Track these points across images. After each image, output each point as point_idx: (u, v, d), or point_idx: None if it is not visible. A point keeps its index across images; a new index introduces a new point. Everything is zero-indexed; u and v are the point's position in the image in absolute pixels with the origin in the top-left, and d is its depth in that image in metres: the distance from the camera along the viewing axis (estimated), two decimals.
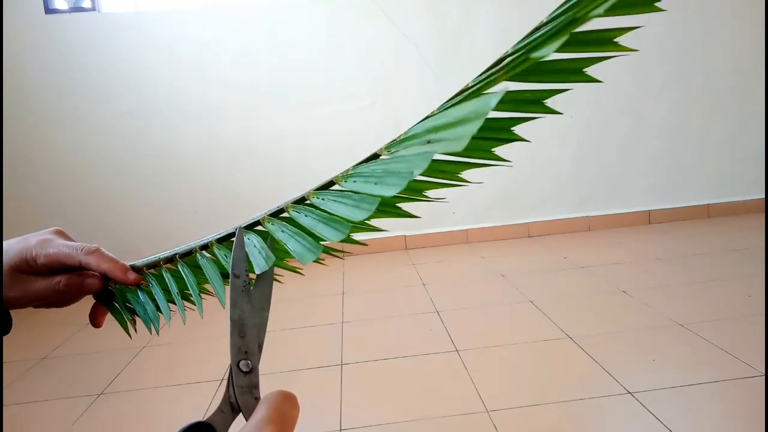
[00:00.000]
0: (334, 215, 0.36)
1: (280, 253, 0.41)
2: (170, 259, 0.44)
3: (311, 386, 1.41)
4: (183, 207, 2.73)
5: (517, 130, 0.38)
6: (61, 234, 0.46)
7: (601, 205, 2.90)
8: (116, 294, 0.46)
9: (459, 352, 1.51)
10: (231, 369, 0.31)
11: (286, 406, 0.29)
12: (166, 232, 2.72)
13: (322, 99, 2.70)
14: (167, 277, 0.44)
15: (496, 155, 0.36)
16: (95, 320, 0.46)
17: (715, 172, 2.88)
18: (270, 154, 2.72)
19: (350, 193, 0.35)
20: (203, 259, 0.42)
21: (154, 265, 0.44)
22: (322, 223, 0.36)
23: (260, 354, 0.32)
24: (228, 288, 0.41)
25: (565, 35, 0.26)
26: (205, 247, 0.43)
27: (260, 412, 0.28)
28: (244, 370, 0.31)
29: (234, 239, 0.41)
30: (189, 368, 1.59)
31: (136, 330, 0.46)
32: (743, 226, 2.65)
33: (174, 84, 2.63)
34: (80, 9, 2.57)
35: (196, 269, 0.43)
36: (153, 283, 0.44)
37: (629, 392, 1.21)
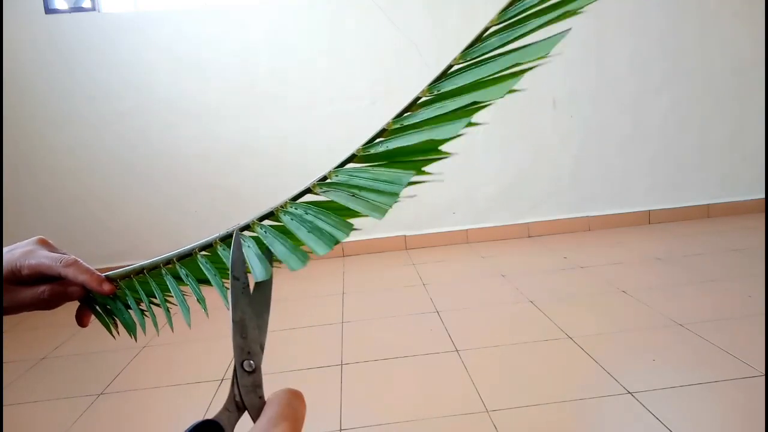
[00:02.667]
0: (274, 255, 0.38)
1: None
2: (140, 272, 0.47)
3: (311, 386, 1.40)
4: (183, 207, 2.73)
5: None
6: (44, 244, 0.49)
7: (601, 205, 2.90)
8: (97, 299, 0.49)
9: (459, 352, 1.51)
10: (235, 369, 0.32)
11: (295, 402, 0.30)
12: (166, 232, 2.72)
13: (322, 99, 2.70)
14: (139, 288, 0.47)
15: (426, 172, 0.38)
16: (81, 321, 0.50)
17: (715, 172, 2.88)
18: (270, 154, 2.72)
19: (286, 238, 0.38)
20: (167, 276, 0.45)
21: (128, 276, 0.47)
22: (256, 258, 0.38)
23: (262, 354, 0.33)
24: (198, 292, 0.44)
25: (466, 119, 0.31)
26: (169, 261, 0.45)
27: (272, 409, 0.29)
28: (248, 369, 0.32)
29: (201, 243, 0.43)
30: (189, 368, 1.59)
31: (119, 332, 0.49)
32: (743, 226, 2.65)
33: (174, 84, 2.63)
34: (80, 9, 2.57)
35: (172, 278, 0.46)
36: (127, 293, 0.47)
37: (629, 392, 1.21)
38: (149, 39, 2.59)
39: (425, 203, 2.82)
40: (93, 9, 2.58)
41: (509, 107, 2.72)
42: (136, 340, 0.49)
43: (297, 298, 2.14)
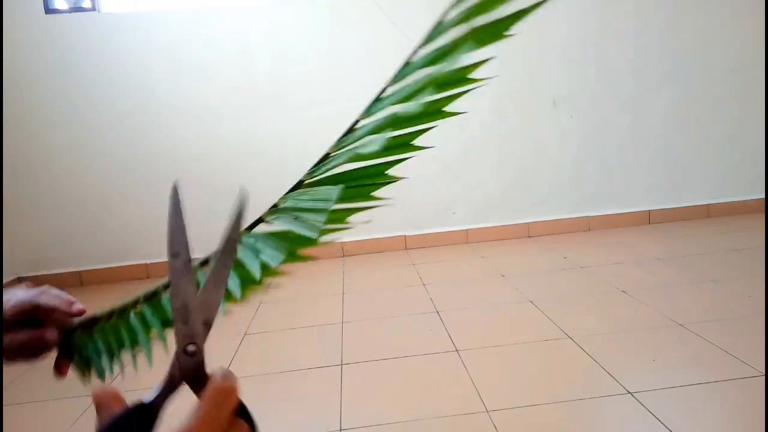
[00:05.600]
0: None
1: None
2: (110, 315, 0.49)
3: (311, 386, 1.40)
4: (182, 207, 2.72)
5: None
6: (19, 285, 0.53)
7: (601, 205, 2.90)
8: (74, 346, 0.52)
9: (459, 352, 1.51)
10: (176, 354, 0.30)
11: (211, 404, 0.28)
12: (166, 232, 2.71)
13: (322, 99, 2.70)
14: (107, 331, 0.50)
15: (376, 197, 0.40)
16: (60, 370, 0.53)
17: (715, 172, 2.88)
18: (270, 154, 2.72)
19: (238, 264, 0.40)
20: (134, 318, 0.48)
21: (99, 319, 0.50)
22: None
23: (208, 332, 0.31)
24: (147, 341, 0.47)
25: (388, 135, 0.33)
26: (137, 303, 0.47)
27: (186, 422, 0.28)
28: (191, 351, 0.30)
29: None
30: None
31: (90, 381, 0.52)
32: (743, 226, 2.65)
33: (174, 84, 2.63)
34: (80, 9, 2.57)
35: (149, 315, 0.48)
36: (98, 336, 0.50)
37: (629, 392, 1.21)
38: (149, 39, 2.59)
39: (425, 203, 2.82)
40: (93, 9, 2.58)
41: (509, 107, 2.72)
42: (103, 381, 0.52)
43: (297, 298, 2.14)
